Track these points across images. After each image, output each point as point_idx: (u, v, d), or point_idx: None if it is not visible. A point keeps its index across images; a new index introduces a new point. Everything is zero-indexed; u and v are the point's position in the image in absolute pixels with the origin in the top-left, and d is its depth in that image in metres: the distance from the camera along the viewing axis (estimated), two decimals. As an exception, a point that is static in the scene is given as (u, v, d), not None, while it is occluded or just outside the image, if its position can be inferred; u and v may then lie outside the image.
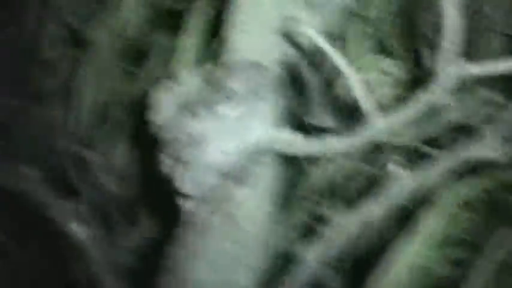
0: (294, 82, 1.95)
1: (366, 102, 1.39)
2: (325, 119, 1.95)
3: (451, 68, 1.36)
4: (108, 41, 2.43)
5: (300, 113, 1.88)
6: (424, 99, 1.40)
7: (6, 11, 2.62)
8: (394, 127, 1.43)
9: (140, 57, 2.46)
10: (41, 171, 1.82)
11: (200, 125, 1.46)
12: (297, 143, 1.42)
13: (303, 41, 1.69)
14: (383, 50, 2.03)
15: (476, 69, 1.40)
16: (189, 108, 1.47)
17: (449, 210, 1.79)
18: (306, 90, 1.85)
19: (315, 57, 1.84)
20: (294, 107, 1.87)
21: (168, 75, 1.84)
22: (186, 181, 1.57)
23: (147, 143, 1.76)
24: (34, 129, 2.35)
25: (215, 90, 1.47)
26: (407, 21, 2.05)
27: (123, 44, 2.45)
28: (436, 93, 1.41)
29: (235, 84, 1.48)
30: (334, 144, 1.44)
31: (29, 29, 2.52)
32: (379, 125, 1.40)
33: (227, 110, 1.45)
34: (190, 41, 2.15)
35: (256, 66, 1.55)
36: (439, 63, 1.35)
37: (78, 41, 2.48)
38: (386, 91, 1.95)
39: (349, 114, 2.03)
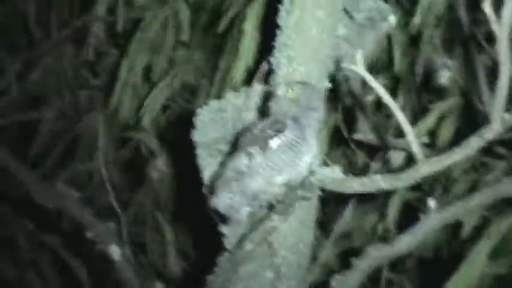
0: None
1: (416, 147, 1.38)
2: (369, 136, 1.93)
3: (506, 115, 1.35)
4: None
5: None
6: (476, 143, 1.39)
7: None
8: (441, 169, 1.42)
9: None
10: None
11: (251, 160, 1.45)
12: (346, 182, 1.41)
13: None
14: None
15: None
16: (241, 146, 1.46)
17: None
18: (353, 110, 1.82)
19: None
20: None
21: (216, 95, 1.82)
22: (228, 204, 1.55)
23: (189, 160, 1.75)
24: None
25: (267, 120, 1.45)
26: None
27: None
28: (487, 138, 1.39)
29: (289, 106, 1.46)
30: (381, 184, 1.42)
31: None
32: (428, 169, 1.39)
33: (278, 145, 1.43)
34: (237, 63, 2.14)
35: (307, 85, 1.53)
36: (495, 110, 1.33)
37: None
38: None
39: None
